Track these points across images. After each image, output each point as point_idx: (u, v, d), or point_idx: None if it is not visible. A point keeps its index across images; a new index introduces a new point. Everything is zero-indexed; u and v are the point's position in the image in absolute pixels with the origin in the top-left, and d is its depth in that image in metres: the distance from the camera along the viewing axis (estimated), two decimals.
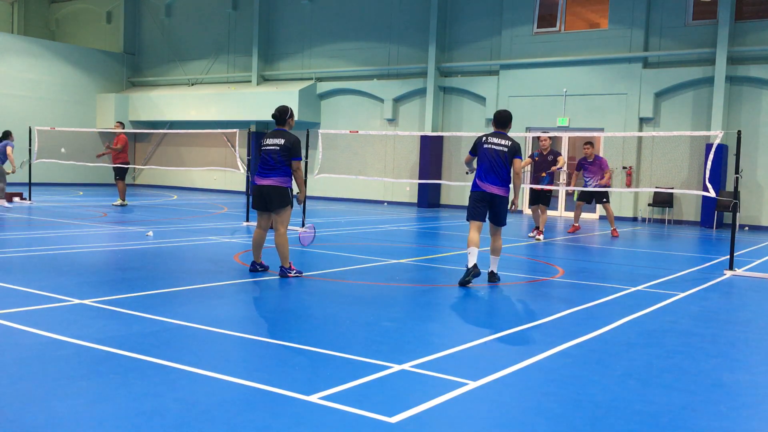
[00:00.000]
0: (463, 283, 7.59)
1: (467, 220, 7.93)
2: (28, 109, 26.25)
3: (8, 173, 16.49)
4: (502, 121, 8.06)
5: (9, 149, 16.09)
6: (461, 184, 18.58)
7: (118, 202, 17.42)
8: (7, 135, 16.43)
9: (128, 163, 17.32)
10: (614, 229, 14.66)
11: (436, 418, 3.62)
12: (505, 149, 7.84)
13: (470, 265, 7.60)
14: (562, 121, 20.36)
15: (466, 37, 22.24)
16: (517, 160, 7.89)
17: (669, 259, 11.30)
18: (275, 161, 7.73)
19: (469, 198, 7.97)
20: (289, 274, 7.80)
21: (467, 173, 8.69)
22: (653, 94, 19.10)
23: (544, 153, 13.52)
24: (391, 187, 23.47)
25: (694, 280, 8.73)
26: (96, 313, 5.72)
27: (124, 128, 17.87)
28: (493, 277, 8.03)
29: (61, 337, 4.86)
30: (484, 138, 8.03)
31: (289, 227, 8.40)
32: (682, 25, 18.99)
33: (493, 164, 7.81)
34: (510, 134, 8.12)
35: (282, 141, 7.74)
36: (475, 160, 8.13)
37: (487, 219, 7.98)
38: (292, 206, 7.89)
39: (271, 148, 7.76)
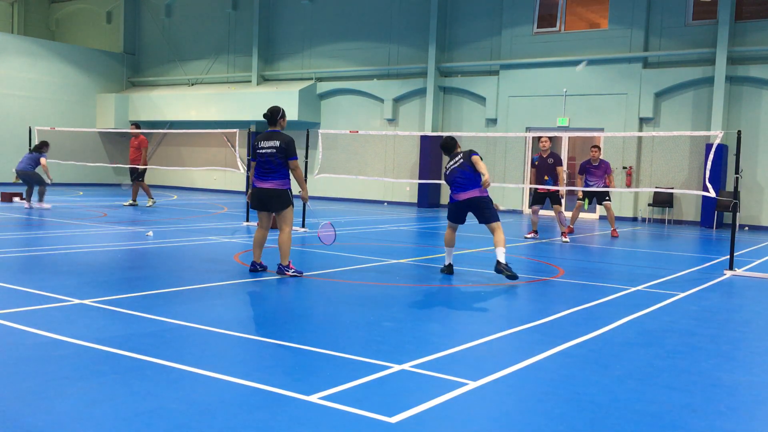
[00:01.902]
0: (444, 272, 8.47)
1: (447, 218, 8.58)
2: (28, 109, 26.24)
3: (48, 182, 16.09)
4: (447, 148, 8.55)
5: (43, 160, 15.78)
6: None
7: (129, 202, 17.58)
8: (41, 147, 15.92)
9: (146, 164, 17.52)
10: (614, 229, 14.65)
11: (436, 418, 3.62)
12: (463, 160, 8.30)
13: (446, 263, 8.48)
14: (562, 121, 20.36)
15: (466, 37, 22.24)
16: (475, 158, 8.26)
17: (669, 259, 11.30)
18: (273, 164, 7.71)
19: (449, 206, 8.55)
20: (286, 272, 7.79)
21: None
22: (653, 94, 19.10)
23: (544, 156, 13.35)
24: (391, 187, 23.47)
25: (694, 280, 8.73)
26: (96, 313, 5.72)
27: (140, 128, 17.95)
28: (500, 267, 7.90)
29: (61, 337, 4.86)
30: (445, 170, 8.52)
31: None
32: (682, 25, 18.99)
33: (459, 180, 8.27)
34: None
35: (277, 143, 7.71)
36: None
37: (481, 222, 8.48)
38: (293, 205, 7.90)
39: (267, 150, 7.73)
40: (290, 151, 7.73)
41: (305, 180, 8.65)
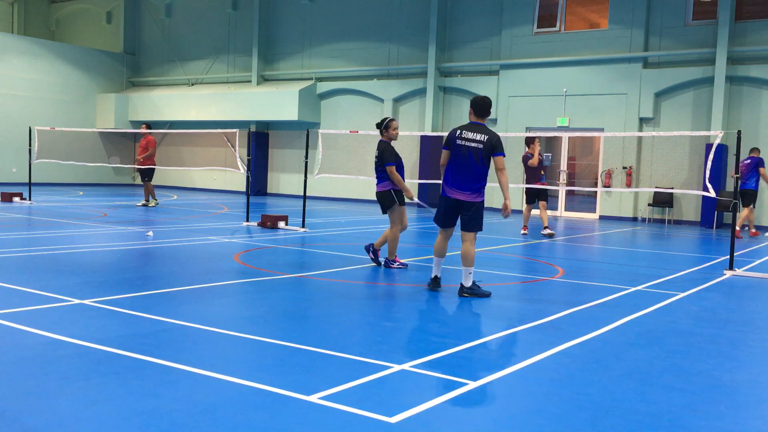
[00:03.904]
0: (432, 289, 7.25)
1: (434, 221, 7.23)
2: (28, 109, 26.24)
3: None
4: (482, 109, 6.92)
5: None
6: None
7: (142, 203, 17.65)
8: None
9: (155, 165, 17.60)
10: (754, 230, 15.50)
11: (436, 418, 3.62)
12: (480, 146, 6.78)
13: (432, 275, 7.20)
14: (562, 121, 20.36)
15: (466, 37, 22.24)
16: (499, 158, 6.81)
17: (669, 259, 11.30)
18: (377, 170, 8.63)
19: (439, 201, 7.19)
20: (391, 266, 8.61)
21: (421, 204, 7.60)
22: (653, 94, 19.10)
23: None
24: None
25: (694, 280, 8.73)
26: (96, 313, 5.72)
27: (150, 129, 17.99)
28: (464, 293, 6.94)
29: (61, 337, 4.86)
30: (458, 132, 6.91)
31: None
32: (682, 25, 18.99)
33: (463, 164, 6.84)
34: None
35: (378, 152, 8.59)
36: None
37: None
38: (400, 203, 8.61)
39: (375, 159, 8.68)
40: (384, 158, 8.50)
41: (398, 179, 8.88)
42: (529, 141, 13.91)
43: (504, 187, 6.85)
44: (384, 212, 8.76)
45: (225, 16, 27.16)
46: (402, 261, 8.86)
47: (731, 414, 3.88)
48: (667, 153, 19.05)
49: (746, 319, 6.65)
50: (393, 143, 8.66)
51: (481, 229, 7.03)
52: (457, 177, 6.90)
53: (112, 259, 8.92)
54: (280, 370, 4.33)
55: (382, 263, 8.76)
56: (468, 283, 6.95)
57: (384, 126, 8.64)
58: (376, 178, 8.73)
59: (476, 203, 6.92)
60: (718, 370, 4.73)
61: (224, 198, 23.59)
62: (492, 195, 21.71)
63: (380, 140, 8.66)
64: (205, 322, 5.48)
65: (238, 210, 17.54)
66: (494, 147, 6.79)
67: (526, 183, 13.86)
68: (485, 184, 6.96)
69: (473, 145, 6.82)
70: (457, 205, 6.96)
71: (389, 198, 8.59)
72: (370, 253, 8.89)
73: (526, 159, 13.80)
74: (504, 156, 6.86)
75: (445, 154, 7.03)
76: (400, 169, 8.64)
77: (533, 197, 14.04)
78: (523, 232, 13.92)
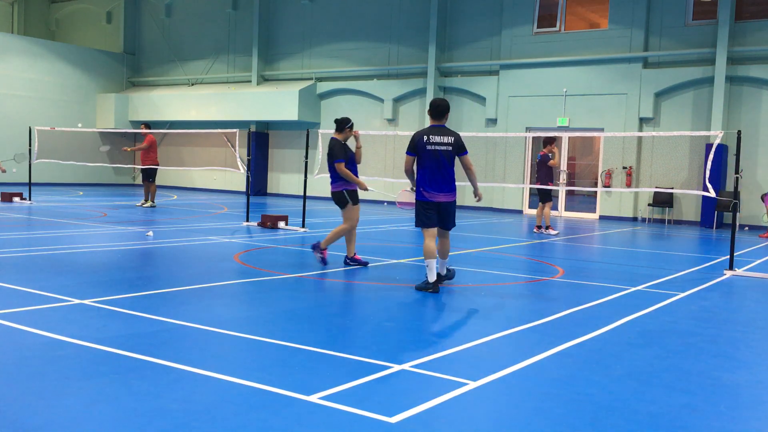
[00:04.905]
0: (421, 289, 7.26)
1: (417, 226, 7.36)
2: (28, 109, 26.24)
3: None
4: (440, 111, 7.19)
5: None
6: (461, 185, 18.53)
7: (146, 203, 17.32)
8: None
9: (157, 164, 17.40)
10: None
11: (436, 418, 3.62)
12: (450, 147, 7.11)
13: (431, 279, 7.14)
14: (562, 121, 20.35)
15: (466, 37, 22.24)
16: (466, 157, 7.22)
17: (669, 259, 11.30)
18: (329, 168, 8.68)
19: (416, 205, 7.34)
20: (348, 262, 8.70)
21: (411, 189, 7.59)
22: (653, 94, 19.10)
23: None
24: (391, 187, 23.45)
25: (694, 280, 8.73)
26: (96, 313, 5.72)
27: (149, 128, 17.94)
28: (442, 281, 7.39)
29: (61, 337, 4.86)
30: (425, 137, 7.11)
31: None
32: (682, 25, 18.99)
33: (437, 168, 7.11)
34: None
35: (328, 149, 8.66)
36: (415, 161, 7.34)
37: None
38: (353, 203, 8.65)
39: (328, 158, 8.71)
40: (331, 156, 8.58)
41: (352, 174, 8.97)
42: (548, 141, 13.97)
43: (475, 180, 7.44)
44: (340, 208, 8.83)
45: (225, 16, 27.16)
46: (362, 259, 8.86)
47: (731, 414, 3.88)
48: (667, 153, 19.06)
49: (746, 319, 6.65)
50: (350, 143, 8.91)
51: (455, 225, 7.50)
52: (433, 181, 7.17)
53: (112, 259, 8.92)
54: (280, 370, 4.33)
55: (343, 261, 8.84)
56: (444, 271, 7.42)
57: (349, 126, 8.75)
58: (330, 176, 8.71)
59: (454, 201, 7.35)
60: (718, 370, 4.73)
61: (224, 198, 23.60)
62: (492, 194, 21.73)
63: (332, 137, 8.74)
64: (205, 322, 5.48)
65: (238, 210, 17.54)
66: (461, 146, 7.19)
67: (541, 183, 13.95)
68: (454, 181, 7.36)
69: (443, 148, 7.12)
70: (438, 206, 7.26)
71: (343, 199, 8.68)
72: (352, 263, 8.75)
73: (546, 159, 13.89)
74: (467, 153, 7.27)
75: (410, 160, 7.30)
76: (352, 165, 8.77)
77: (548, 196, 14.14)
78: (554, 232, 14.23)
